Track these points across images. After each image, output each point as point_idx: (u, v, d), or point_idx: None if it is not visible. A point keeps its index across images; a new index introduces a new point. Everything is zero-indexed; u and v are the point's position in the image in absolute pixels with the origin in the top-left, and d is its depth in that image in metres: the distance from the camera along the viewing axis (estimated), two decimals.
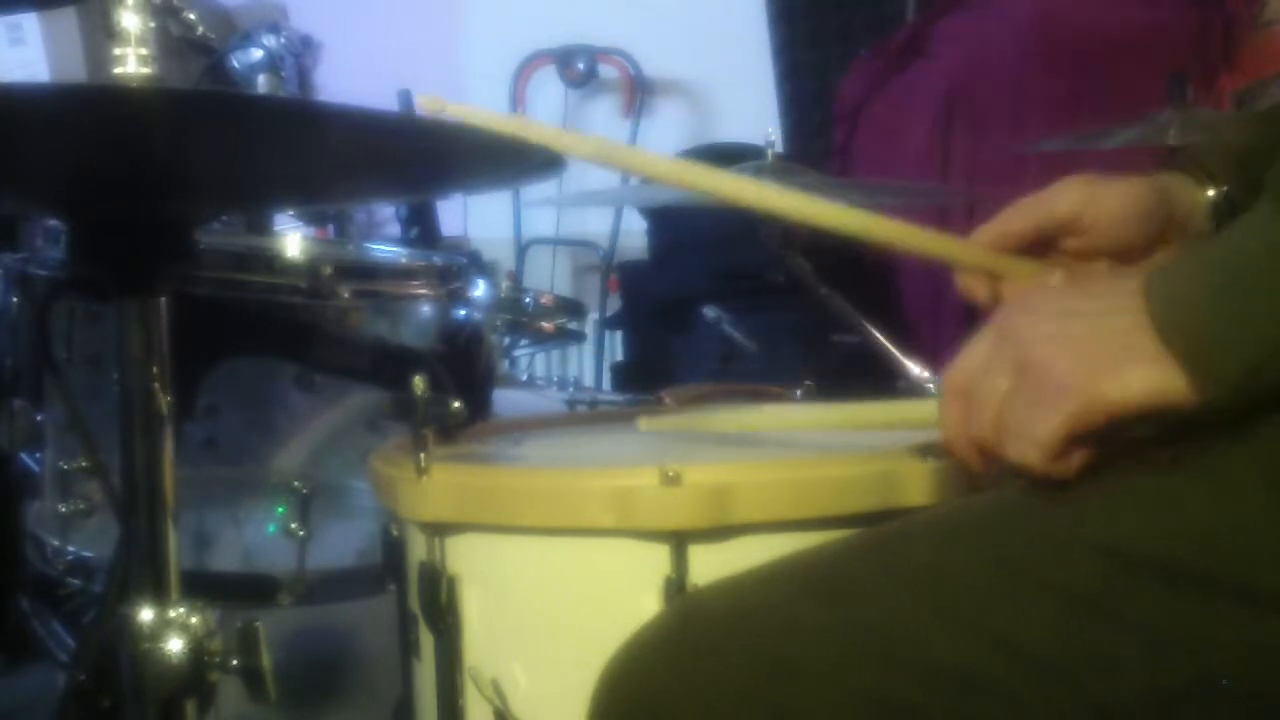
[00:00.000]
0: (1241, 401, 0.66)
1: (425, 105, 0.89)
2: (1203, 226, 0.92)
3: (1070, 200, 0.90)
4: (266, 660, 0.93)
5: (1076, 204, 0.90)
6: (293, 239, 1.52)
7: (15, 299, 1.54)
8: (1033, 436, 0.70)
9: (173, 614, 0.92)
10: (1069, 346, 0.69)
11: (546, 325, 1.97)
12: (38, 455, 1.51)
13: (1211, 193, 0.93)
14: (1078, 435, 0.69)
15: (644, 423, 1.14)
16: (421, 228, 2.66)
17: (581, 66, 3.51)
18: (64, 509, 1.43)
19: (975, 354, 0.74)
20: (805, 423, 1.12)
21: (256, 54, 2.66)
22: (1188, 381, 0.66)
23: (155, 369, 0.94)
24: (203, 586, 1.00)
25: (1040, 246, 0.92)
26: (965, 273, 0.94)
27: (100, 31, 0.90)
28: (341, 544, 1.41)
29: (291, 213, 2.15)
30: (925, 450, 0.92)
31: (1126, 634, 0.69)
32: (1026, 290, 0.82)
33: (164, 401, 0.95)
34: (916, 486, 0.91)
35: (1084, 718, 0.70)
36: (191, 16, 2.24)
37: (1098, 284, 0.73)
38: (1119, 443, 0.70)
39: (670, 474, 0.87)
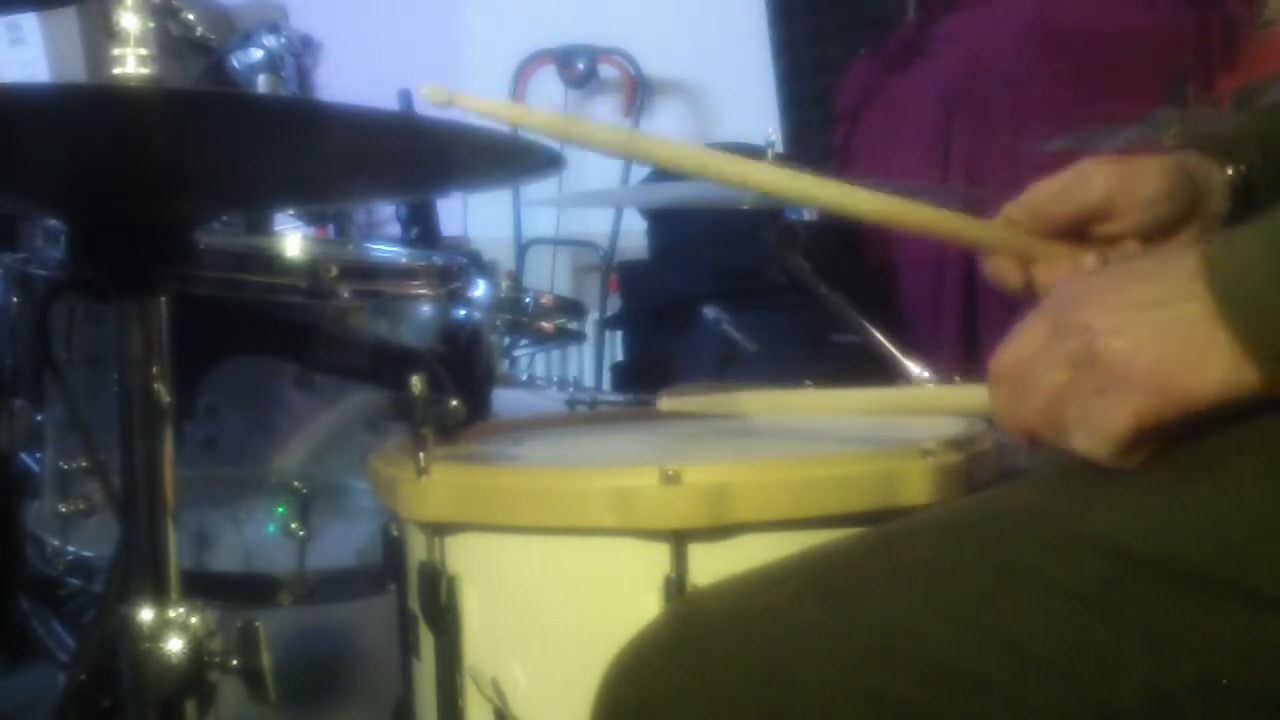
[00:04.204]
0: None
1: (431, 96, 0.87)
2: (1221, 205, 0.92)
3: (1103, 185, 0.90)
4: (266, 660, 0.93)
5: (1110, 188, 0.89)
6: (293, 239, 1.52)
7: (15, 299, 1.54)
8: (1103, 430, 0.69)
9: (173, 614, 0.92)
10: (1141, 341, 0.68)
11: (546, 325, 1.97)
12: (38, 455, 1.51)
13: (1230, 172, 0.92)
14: (1149, 429, 0.69)
15: (665, 403, 1.14)
16: (421, 228, 2.66)
17: (581, 66, 3.51)
18: (64, 509, 1.43)
19: (1028, 340, 0.73)
20: (835, 407, 1.09)
21: (256, 54, 2.66)
22: (1257, 369, 0.66)
23: (155, 369, 0.94)
24: (203, 586, 1.00)
25: (1071, 231, 0.92)
26: (995, 257, 0.93)
27: (100, 31, 0.90)
28: (341, 544, 1.41)
29: (291, 213, 2.15)
30: (925, 449, 0.92)
31: (1129, 634, 0.69)
32: (1077, 277, 0.80)
33: (164, 401, 0.95)
34: (917, 486, 0.90)
35: (1086, 718, 0.70)
36: (191, 16, 2.24)
37: (1150, 265, 0.71)
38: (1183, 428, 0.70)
39: (670, 473, 0.87)
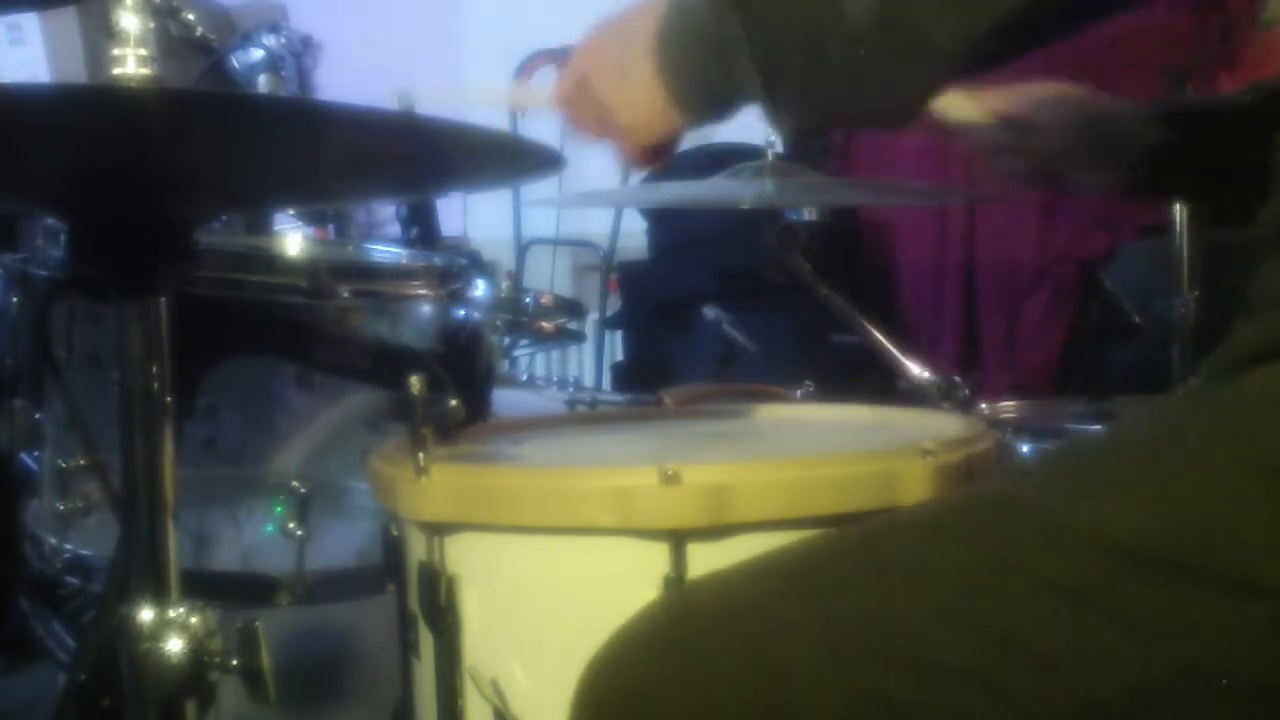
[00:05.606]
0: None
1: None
2: None
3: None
4: (266, 660, 0.93)
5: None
6: (293, 239, 1.53)
7: (15, 299, 1.54)
8: (618, 149, 0.96)
9: (173, 614, 0.92)
10: (617, 90, 0.91)
11: (546, 325, 1.97)
12: (37, 454, 1.51)
13: None
14: (642, 152, 0.95)
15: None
16: (421, 228, 2.66)
17: None
18: (62, 507, 1.43)
19: (568, 73, 0.95)
20: None
21: (256, 54, 2.66)
22: (682, 115, 0.89)
23: (155, 369, 0.94)
24: (203, 586, 1.00)
25: None
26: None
27: (100, 31, 0.90)
28: (341, 544, 1.41)
29: (291, 213, 2.15)
30: (925, 449, 0.92)
31: (1112, 625, 0.69)
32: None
33: (164, 401, 0.95)
34: (916, 486, 0.91)
35: (1070, 710, 0.70)
36: (191, 17, 2.24)
37: (627, 27, 0.91)
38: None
39: (669, 473, 0.87)
